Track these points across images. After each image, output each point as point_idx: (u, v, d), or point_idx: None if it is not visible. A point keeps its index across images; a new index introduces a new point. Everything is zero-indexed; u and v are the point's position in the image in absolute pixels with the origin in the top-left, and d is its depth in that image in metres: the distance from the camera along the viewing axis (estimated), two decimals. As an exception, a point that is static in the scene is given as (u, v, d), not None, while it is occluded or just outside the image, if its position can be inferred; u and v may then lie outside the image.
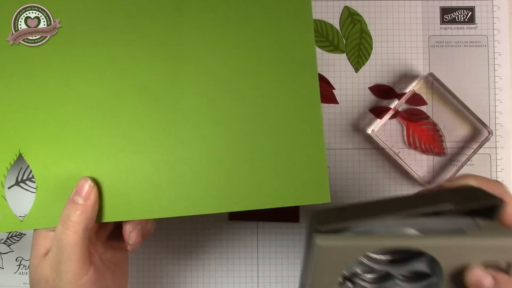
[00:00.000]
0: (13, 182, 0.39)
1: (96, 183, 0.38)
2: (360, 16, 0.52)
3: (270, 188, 0.37)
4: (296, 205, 0.37)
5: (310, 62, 0.39)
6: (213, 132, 0.38)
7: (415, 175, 0.50)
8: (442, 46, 0.52)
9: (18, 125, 0.38)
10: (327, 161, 0.37)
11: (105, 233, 0.41)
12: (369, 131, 0.51)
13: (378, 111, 0.51)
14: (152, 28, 0.39)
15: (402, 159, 0.50)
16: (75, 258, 0.36)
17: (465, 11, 0.52)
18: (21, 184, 0.38)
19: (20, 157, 0.38)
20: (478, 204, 0.29)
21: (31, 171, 0.38)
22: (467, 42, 0.51)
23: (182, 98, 0.38)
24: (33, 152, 0.38)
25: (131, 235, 0.39)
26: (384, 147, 0.51)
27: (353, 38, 0.52)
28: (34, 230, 0.39)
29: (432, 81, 0.51)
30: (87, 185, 0.37)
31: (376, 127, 0.50)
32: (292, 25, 0.39)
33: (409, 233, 0.28)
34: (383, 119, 0.50)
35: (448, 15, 0.52)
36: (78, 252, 0.36)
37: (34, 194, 0.38)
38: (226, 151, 0.38)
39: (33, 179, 0.38)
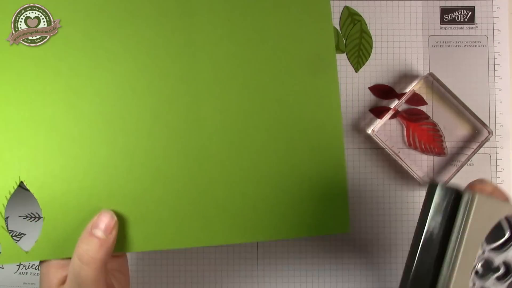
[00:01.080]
0: (15, 212, 0.37)
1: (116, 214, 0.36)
2: (360, 16, 0.52)
3: (293, 219, 0.37)
4: (316, 235, 0.37)
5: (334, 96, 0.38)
6: (236, 161, 0.37)
7: (415, 175, 0.50)
8: (442, 46, 0.52)
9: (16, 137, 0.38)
10: (347, 190, 0.37)
11: None
12: (369, 131, 0.51)
13: (378, 111, 0.51)
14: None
15: (402, 159, 0.50)
16: None
17: (465, 11, 0.52)
18: (25, 214, 0.37)
19: (21, 185, 0.36)
20: None
21: (35, 199, 0.36)
22: (467, 42, 0.51)
23: (200, 117, 0.37)
24: (34, 176, 0.36)
25: None
26: (384, 147, 0.51)
27: (353, 38, 0.52)
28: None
29: (432, 81, 0.51)
30: (109, 218, 0.35)
31: (376, 127, 0.50)
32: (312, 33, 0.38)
33: None
34: (383, 119, 0.50)
35: (448, 15, 0.52)
36: (100, 286, 0.34)
37: (40, 223, 0.36)
38: (250, 183, 0.37)
39: (38, 207, 0.37)
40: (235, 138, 0.37)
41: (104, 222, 0.35)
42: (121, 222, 0.37)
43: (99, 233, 0.34)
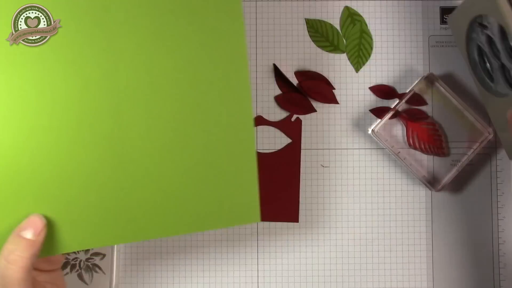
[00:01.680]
0: None
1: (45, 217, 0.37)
2: (360, 16, 0.52)
3: (206, 212, 0.39)
4: (228, 226, 0.39)
5: (243, 84, 0.39)
6: (156, 162, 0.39)
7: (415, 175, 0.50)
8: (442, 46, 0.52)
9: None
10: (257, 182, 0.39)
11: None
12: (369, 131, 0.51)
13: (378, 111, 0.51)
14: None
15: (402, 159, 0.50)
16: None
17: (465, 11, 0.52)
18: None
19: None
20: None
21: None
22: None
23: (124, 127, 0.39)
24: None
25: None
26: (384, 147, 0.51)
27: (353, 38, 0.52)
28: None
29: (432, 81, 0.51)
30: (38, 221, 0.36)
31: (376, 127, 0.50)
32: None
33: None
34: (383, 119, 0.50)
35: (448, 15, 0.52)
36: (25, 286, 0.34)
37: None
38: (169, 181, 0.39)
39: None
40: (156, 140, 0.39)
41: (32, 224, 0.35)
42: (50, 225, 0.37)
43: (27, 234, 0.35)
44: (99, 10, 0.39)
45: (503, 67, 0.44)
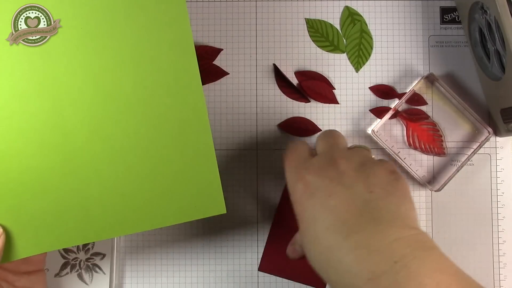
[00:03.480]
0: None
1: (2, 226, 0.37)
2: (360, 16, 0.52)
3: (170, 207, 0.39)
4: (195, 219, 0.39)
5: (191, 69, 0.39)
6: (109, 161, 0.39)
7: (415, 175, 0.50)
8: (442, 46, 0.52)
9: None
10: (219, 175, 0.39)
11: (13, 262, 0.40)
12: (369, 131, 0.51)
13: (378, 111, 0.51)
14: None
15: (402, 159, 0.50)
16: None
17: (465, 11, 0.52)
18: None
19: None
20: None
21: None
22: (467, 42, 0.51)
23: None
24: None
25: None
26: (384, 147, 0.51)
27: (353, 38, 0.52)
28: None
29: (432, 81, 0.51)
30: None
31: (376, 127, 0.50)
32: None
33: None
34: (383, 119, 0.50)
35: (448, 15, 0.52)
36: None
37: None
38: (124, 179, 0.39)
39: None
40: (105, 141, 0.39)
41: None
42: (7, 232, 0.38)
43: None
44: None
45: (498, 52, 0.45)
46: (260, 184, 0.51)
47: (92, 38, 0.39)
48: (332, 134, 0.40)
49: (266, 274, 0.50)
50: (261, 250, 0.51)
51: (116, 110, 0.39)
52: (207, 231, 0.51)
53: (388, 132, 0.51)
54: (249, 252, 0.51)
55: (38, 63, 0.38)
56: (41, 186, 0.38)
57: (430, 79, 0.51)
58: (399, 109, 0.51)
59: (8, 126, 0.38)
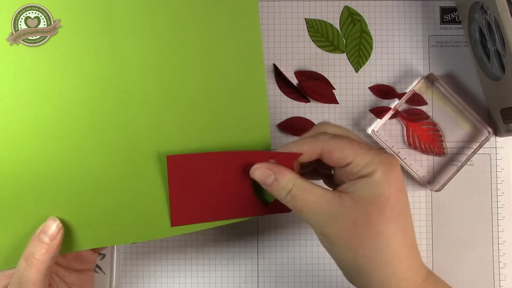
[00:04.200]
0: None
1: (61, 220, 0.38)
2: (360, 16, 0.52)
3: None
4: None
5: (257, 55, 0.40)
6: (154, 159, 0.39)
7: (415, 175, 0.50)
8: (442, 46, 0.52)
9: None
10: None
11: (66, 257, 0.42)
12: (369, 131, 0.51)
13: (378, 111, 0.51)
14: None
15: (402, 159, 0.50)
16: None
17: (465, 11, 0.52)
18: None
19: None
20: None
21: None
22: (467, 42, 0.51)
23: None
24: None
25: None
26: (384, 147, 0.51)
27: (353, 38, 0.52)
28: None
29: (432, 81, 0.51)
30: (55, 225, 0.37)
31: (376, 127, 0.50)
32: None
33: None
34: (383, 119, 0.50)
35: (448, 15, 0.52)
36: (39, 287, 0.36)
37: None
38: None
39: None
40: (164, 141, 0.39)
41: (48, 229, 0.37)
42: (66, 226, 0.38)
43: (45, 238, 0.37)
44: (99, 10, 0.39)
45: (498, 52, 0.45)
46: (260, 184, 0.51)
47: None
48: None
49: (266, 279, 0.50)
50: (261, 250, 0.51)
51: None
52: (206, 233, 0.51)
53: (388, 132, 0.51)
54: (249, 252, 0.51)
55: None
56: (102, 184, 0.39)
57: (430, 79, 0.51)
58: (399, 109, 0.51)
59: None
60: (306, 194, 0.35)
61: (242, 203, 0.40)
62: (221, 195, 0.39)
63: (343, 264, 0.35)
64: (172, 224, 0.39)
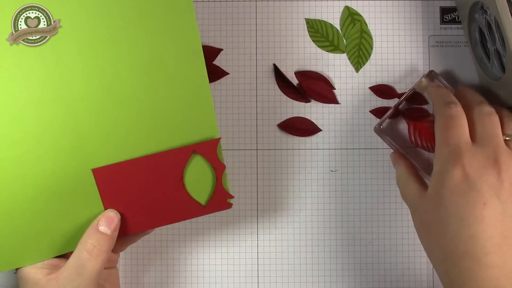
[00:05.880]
0: None
1: None
2: (360, 16, 0.52)
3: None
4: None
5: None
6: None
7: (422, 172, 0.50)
8: (442, 46, 0.52)
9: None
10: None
11: None
12: (369, 131, 0.51)
13: (379, 111, 0.51)
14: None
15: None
16: (95, 284, 0.38)
17: (465, 11, 0.52)
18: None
19: None
20: None
21: None
22: (467, 42, 0.51)
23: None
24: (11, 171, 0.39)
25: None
26: (386, 147, 0.51)
27: (353, 38, 0.52)
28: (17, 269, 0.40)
29: (433, 79, 0.51)
30: (114, 217, 0.39)
31: (376, 126, 0.50)
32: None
33: None
34: (384, 118, 0.50)
35: (448, 15, 0.52)
36: (97, 279, 0.38)
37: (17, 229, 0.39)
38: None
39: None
40: (108, 138, 0.39)
41: (110, 220, 0.39)
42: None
43: (107, 230, 0.38)
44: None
45: (498, 52, 0.45)
46: (260, 184, 0.51)
47: (92, 38, 0.39)
48: (492, 113, 0.40)
49: (266, 275, 0.50)
50: (261, 250, 0.51)
51: (119, 109, 0.39)
52: (206, 231, 0.51)
53: (390, 130, 0.51)
54: (249, 252, 0.51)
55: (38, 63, 0.38)
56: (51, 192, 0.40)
57: (430, 77, 0.51)
58: (400, 108, 0.51)
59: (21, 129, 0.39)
60: None
61: (179, 205, 0.40)
62: (156, 201, 0.40)
63: None
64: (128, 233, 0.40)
